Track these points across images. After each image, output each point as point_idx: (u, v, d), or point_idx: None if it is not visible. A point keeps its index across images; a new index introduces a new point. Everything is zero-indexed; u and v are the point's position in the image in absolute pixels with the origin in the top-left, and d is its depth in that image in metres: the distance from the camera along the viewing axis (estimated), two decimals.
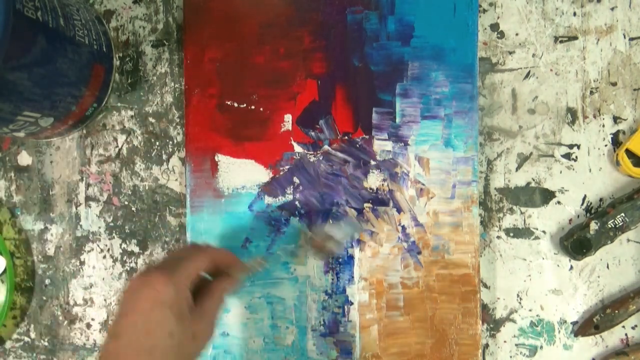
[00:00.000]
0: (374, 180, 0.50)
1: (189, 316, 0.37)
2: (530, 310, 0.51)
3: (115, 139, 0.54)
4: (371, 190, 0.50)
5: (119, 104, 0.54)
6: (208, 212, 0.50)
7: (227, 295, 0.41)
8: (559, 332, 0.51)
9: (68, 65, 0.45)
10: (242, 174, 0.51)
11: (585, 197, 0.51)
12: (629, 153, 0.50)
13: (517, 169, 0.51)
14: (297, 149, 0.51)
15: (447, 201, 0.50)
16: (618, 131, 0.51)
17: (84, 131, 0.54)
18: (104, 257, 0.54)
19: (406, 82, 0.50)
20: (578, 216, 0.51)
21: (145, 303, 0.35)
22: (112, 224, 0.54)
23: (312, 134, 0.51)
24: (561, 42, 0.51)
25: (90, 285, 0.54)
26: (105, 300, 0.53)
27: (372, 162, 0.50)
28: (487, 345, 0.51)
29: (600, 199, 0.51)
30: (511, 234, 0.51)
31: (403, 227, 0.50)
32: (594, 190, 0.51)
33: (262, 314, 0.50)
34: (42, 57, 0.41)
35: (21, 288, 0.54)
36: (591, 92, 0.51)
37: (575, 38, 0.51)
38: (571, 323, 0.51)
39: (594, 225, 0.48)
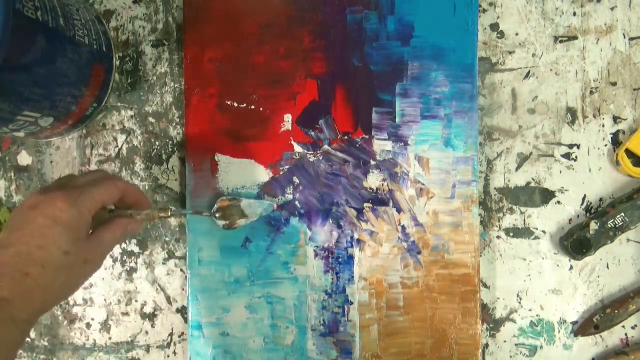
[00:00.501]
0: (374, 180, 0.50)
1: (86, 242, 0.37)
2: (530, 310, 0.51)
3: (115, 139, 0.54)
4: (371, 190, 0.50)
5: (119, 104, 0.54)
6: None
7: (126, 235, 0.41)
8: (559, 332, 0.51)
9: (68, 65, 0.45)
10: (242, 174, 0.51)
11: (585, 197, 0.51)
12: (629, 153, 0.50)
13: (517, 169, 0.51)
14: (297, 149, 0.51)
15: (447, 201, 0.50)
16: (618, 131, 0.51)
17: (84, 131, 0.54)
18: None
19: (406, 82, 0.50)
20: (578, 216, 0.51)
21: (44, 219, 0.35)
22: None
23: (312, 134, 0.51)
24: (561, 42, 0.51)
25: (90, 285, 0.54)
26: (105, 300, 0.53)
27: (372, 162, 0.50)
28: (487, 345, 0.51)
29: (600, 199, 0.51)
30: (511, 234, 0.51)
31: (403, 227, 0.50)
32: (594, 190, 0.51)
33: (262, 314, 0.50)
34: (42, 57, 0.41)
35: None
36: (591, 92, 0.51)
37: (575, 38, 0.51)
38: (571, 323, 0.51)
39: (594, 225, 0.48)
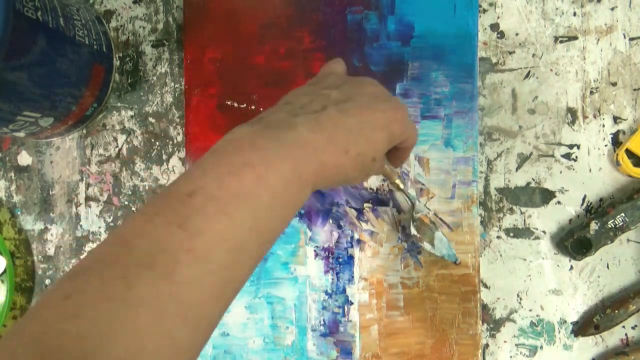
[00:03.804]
0: (374, 180, 0.50)
1: (381, 159, 0.36)
2: (530, 310, 0.51)
3: (115, 139, 0.54)
4: (371, 190, 0.50)
5: (119, 104, 0.54)
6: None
7: (381, 172, 0.40)
8: (559, 332, 0.51)
9: (68, 65, 0.45)
10: None
11: (585, 197, 0.51)
12: (629, 153, 0.50)
13: (517, 169, 0.51)
14: None
15: (447, 201, 0.50)
16: (618, 131, 0.51)
17: (84, 131, 0.54)
18: None
19: (406, 82, 0.50)
20: (578, 216, 0.51)
21: (383, 116, 0.33)
22: (112, 224, 0.54)
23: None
24: (561, 42, 0.51)
25: None
26: None
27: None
28: (487, 345, 0.51)
29: (600, 199, 0.51)
30: (511, 234, 0.51)
31: (403, 227, 0.50)
32: (594, 190, 0.51)
33: (262, 314, 0.50)
34: (42, 57, 0.41)
35: (21, 288, 0.54)
36: (591, 92, 0.51)
37: (575, 38, 0.51)
38: (571, 323, 0.51)
39: (594, 225, 0.48)
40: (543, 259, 0.51)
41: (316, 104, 0.33)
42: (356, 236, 0.50)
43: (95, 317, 0.22)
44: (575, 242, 0.49)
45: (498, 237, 0.51)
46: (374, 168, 0.35)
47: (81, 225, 0.54)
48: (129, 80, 0.54)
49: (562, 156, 0.51)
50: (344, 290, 0.50)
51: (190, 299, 0.25)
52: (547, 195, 0.51)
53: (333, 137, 0.31)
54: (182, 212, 0.26)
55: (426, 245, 0.48)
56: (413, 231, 0.48)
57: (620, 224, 0.48)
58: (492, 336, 0.51)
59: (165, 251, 0.25)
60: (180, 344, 0.24)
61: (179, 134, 0.53)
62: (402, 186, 0.43)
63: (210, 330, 0.27)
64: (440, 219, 0.50)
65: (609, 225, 0.48)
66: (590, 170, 0.51)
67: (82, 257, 0.54)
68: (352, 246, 0.50)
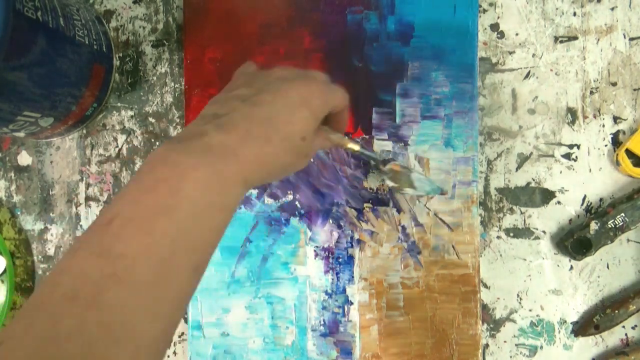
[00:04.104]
0: (374, 180, 0.50)
1: (311, 137, 0.35)
2: (530, 310, 0.51)
3: (115, 139, 0.54)
4: (371, 190, 0.50)
5: (119, 104, 0.54)
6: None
7: (327, 145, 0.40)
8: (559, 332, 0.51)
9: (68, 65, 0.45)
10: None
11: (585, 197, 0.51)
12: (629, 153, 0.50)
13: (517, 169, 0.51)
14: None
15: (447, 201, 0.50)
16: (618, 131, 0.51)
17: (84, 131, 0.54)
18: None
19: (406, 82, 0.50)
20: (578, 216, 0.51)
21: (298, 95, 0.33)
22: None
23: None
24: (561, 42, 0.51)
25: None
26: None
27: (372, 162, 0.50)
28: (487, 345, 0.51)
29: (600, 199, 0.51)
30: (511, 234, 0.51)
31: (403, 227, 0.50)
32: (594, 190, 0.51)
33: (262, 314, 0.50)
34: (42, 57, 0.41)
35: (21, 288, 0.54)
36: (591, 92, 0.51)
37: (575, 38, 0.51)
38: (571, 323, 0.51)
39: (594, 225, 0.48)
40: (543, 259, 0.51)
41: (225, 107, 0.33)
42: (356, 236, 0.50)
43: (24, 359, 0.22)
44: (575, 242, 0.49)
45: (498, 237, 0.51)
46: (311, 146, 0.35)
47: (81, 225, 0.54)
48: (129, 80, 0.54)
49: (562, 156, 0.51)
50: (344, 290, 0.50)
51: (121, 322, 0.25)
52: (547, 195, 0.51)
53: (249, 131, 0.31)
54: (102, 241, 0.26)
55: (408, 191, 0.47)
56: (390, 184, 0.47)
57: (620, 224, 0.48)
58: (492, 336, 0.51)
59: (87, 281, 0.25)
60: None
61: None
62: (357, 147, 0.42)
63: (155, 349, 0.27)
64: (441, 219, 0.50)
65: (609, 225, 0.48)
66: (590, 170, 0.51)
67: None
68: (352, 246, 0.50)
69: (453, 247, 0.49)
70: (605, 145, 0.51)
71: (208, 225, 0.29)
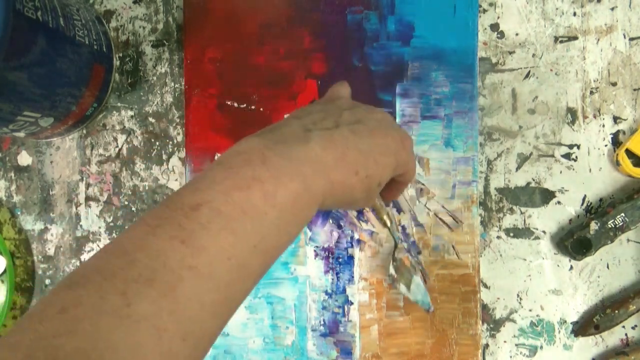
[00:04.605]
0: None
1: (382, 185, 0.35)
2: (530, 310, 0.51)
3: (115, 139, 0.54)
4: None
5: (119, 104, 0.54)
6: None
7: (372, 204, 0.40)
8: (559, 332, 0.51)
9: (68, 65, 0.45)
10: None
11: (585, 197, 0.51)
12: (629, 153, 0.50)
13: (517, 169, 0.51)
14: None
15: (447, 201, 0.50)
16: (618, 131, 0.51)
17: (84, 131, 0.54)
18: None
19: (406, 82, 0.50)
20: (578, 216, 0.51)
21: (393, 143, 0.33)
22: (112, 224, 0.54)
23: None
24: (561, 42, 0.51)
25: None
26: None
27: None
28: (487, 345, 0.51)
29: (600, 199, 0.51)
30: (511, 234, 0.51)
31: (403, 227, 0.50)
32: (594, 190, 0.51)
33: (262, 314, 0.50)
34: (42, 57, 0.41)
35: (21, 288, 0.54)
36: (591, 92, 0.51)
37: (575, 38, 0.51)
38: (571, 323, 0.51)
39: (594, 225, 0.48)
40: (543, 259, 0.51)
41: (328, 122, 0.32)
42: (356, 236, 0.50)
43: (93, 333, 0.22)
44: (575, 242, 0.49)
45: (498, 237, 0.51)
46: (377, 193, 0.35)
47: (81, 225, 0.54)
48: (129, 80, 0.54)
49: (562, 156, 0.51)
50: (344, 290, 0.50)
51: (191, 316, 0.24)
52: (547, 195, 0.51)
53: (344, 156, 0.31)
54: (186, 226, 0.25)
55: (402, 288, 0.48)
56: (391, 271, 0.47)
57: (620, 224, 0.48)
58: (492, 336, 0.51)
59: (167, 267, 0.24)
60: None
61: (179, 134, 0.53)
62: (389, 224, 0.43)
63: (208, 346, 0.27)
64: (441, 219, 0.50)
65: (609, 225, 0.48)
66: (590, 170, 0.51)
67: (82, 257, 0.54)
68: (352, 246, 0.50)
69: (453, 247, 0.49)
70: (605, 145, 0.51)
71: (286, 236, 0.29)
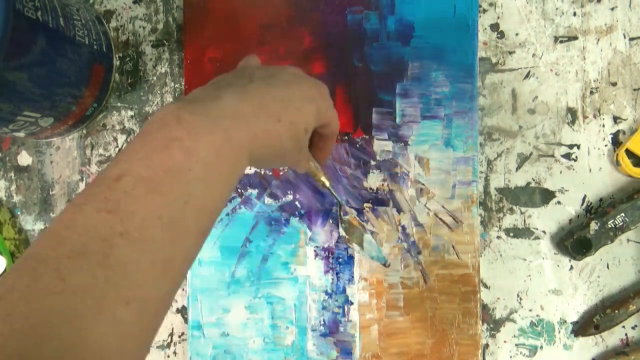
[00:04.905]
0: (374, 180, 0.50)
1: (306, 135, 0.35)
2: (530, 310, 0.51)
3: (115, 139, 0.54)
4: (371, 190, 0.50)
5: (119, 104, 0.54)
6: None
7: (306, 167, 0.40)
8: (559, 332, 0.51)
9: (68, 65, 0.45)
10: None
11: (585, 197, 0.51)
12: (629, 153, 0.50)
13: (517, 169, 0.51)
14: None
15: (447, 201, 0.50)
16: (618, 131, 0.51)
17: (84, 131, 0.54)
18: None
19: (406, 82, 0.50)
20: (578, 216, 0.51)
21: (308, 90, 0.34)
22: None
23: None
24: (561, 42, 0.51)
25: None
26: None
27: (372, 162, 0.50)
28: (487, 345, 0.51)
29: (600, 199, 0.51)
30: (511, 234, 0.51)
31: (403, 227, 0.50)
32: (594, 190, 0.51)
33: (262, 314, 0.50)
34: (42, 57, 0.41)
35: None
36: (591, 92, 0.51)
37: (575, 38, 0.51)
38: (571, 323, 0.51)
39: (594, 225, 0.48)
40: (543, 259, 0.51)
41: (241, 80, 0.33)
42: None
43: (29, 314, 0.22)
44: (575, 242, 0.49)
45: (498, 237, 0.51)
46: (306, 146, 0.35)
47: None
48: (129, 80, 0.54)
49: (562, 156, 0.51)
50: (344, 290, 0.50)
51: (130, 281, 0.24)
52: (547, 195, 0.51)
53: (263, 105, 0.31)
54: (111, 197, 0.25)
55: (355, 247, 0.48)
56: (341, 232, 0.47)
57: (620, 224, 0.48)
58: (492, 336, 0.51)
59: (97, 237, 0.24)
60: (126, 328, 0.24)
61: None
62: (327, 184, 0.42)
63: (160, 310, 0.27)
64: (441, 219, 0.50)
65: (609, 225, 0.48)
66: (590, 170, 0.51)
67: None
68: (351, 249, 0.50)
69: (453, 247, 0.49)
70: (605, 145, 0.51)
71: (217, 191, 0.29)
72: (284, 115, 0.32)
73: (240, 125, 0.30)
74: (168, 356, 0.53)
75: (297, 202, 0.51)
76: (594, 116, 0.51)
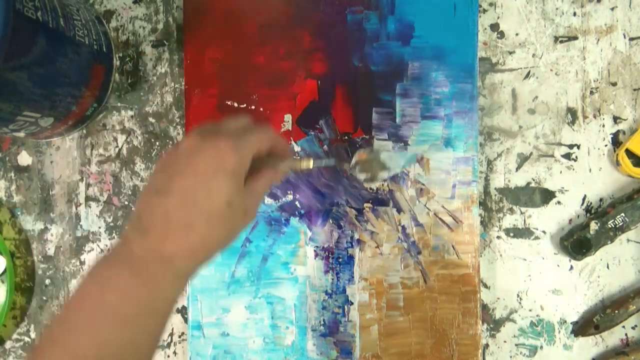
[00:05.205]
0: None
1: (245, 191, 0.34)
2: (530, 310, 0.51)
3: (115, 139, 0.54)
4: (371, 190, 0.50)
5: (119, 104, 0.54)
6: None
7: (271, 185, 0.38)
8: (559, 332, 0.51)
9: (68, 65, 0.45)
10: None
11: (585, 197, 0.51)
12: (629, 153, 0.50)
13: (517, 169, 0.51)
14: (297, 149, 0.51)
15: (447, 201, 0.50)
16: (618, 131, 0.51)
17: (84, 131, 0.54)
18: None
19: (406, 82, 0.50)
20: (578, 216, 0.51)
21: (207, 165, 0.32)
22: (112, 224, 0.54)
23: (312, 134, 0.51)
24: (561, 42, 0.51)
25: None
26: None
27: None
28: (487, 345, 0.51)
29: (600, 199, 0.51)
30: (511, 234, 0.51)
31: (403, 227, 0.50)
32: (594, 190, 0.51)
33: (262, 314, 0.50)
34: (42, 57, 0.41)
35: (21, 288, 0.54)
36: (591, 92, 0.51)
37: (575, 38, 0.51)
38: (571, 323, 0.51)
39: (594, 225, 0.48)
40: (543, 259, 0.51)
41: (144, 205, 0.33)
42: (356, 236, 0.50)
43: None
44: (575, 242, 0.49)
45: (498, 237, 0.51)
46: (246, 202, 0.34)
47: (81, 225, 0.54)
48: (129, 80, 0.54)
49: (562, 156, 0.51)
50: (344, 290, 0.50)
51: None
52: (547, 195, 0.51)
53: (168, 224, 0.31)
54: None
55: (384, 174, 0.46)
56: (362, 177, 0.45)
57: (620, 224, 0.48)
58: (492, 336, 0.51)
59: None
60: None
61: (179, 134, 0.53)
62: (311, 163, 0.40)
63: None
64: (441, 219, 0.50)
65: (609, 225, 0.48)
66: (590, 170, 0.51)
67: (82, 257, 0.54)
68: (352, 246, 0.50)
69: (453, 247, 0.49)
70: (605, 145, 0.51)
71: (140, 331, 0.30)
72: (194, 218, 0.31)
73: (150, 259, 0.31)
74: (168, 356, 0.53)
75: (297, 202, 0.51)
76: (594, 116, 0.51)
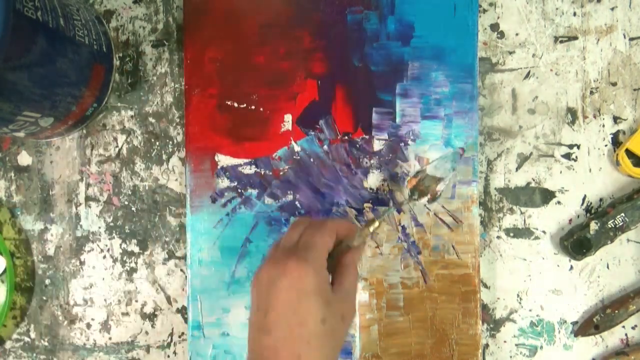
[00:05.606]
0: (374, 180, 0.50)
1: (334, 298, 0.35)
2: (530, 310, 0.51)
3: (115, 139, 0.54)
4: (371, 190, 0.50)
5: (119, 104, 0.54)
6: (208, 212, 0.50)
7: (356, 267, 0.39)
8: (559, 332, 0.51)
9: (68, 65, 0.45)
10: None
11: (585, 197, 0.51)
12: (629, 153, 0.50)
13: (517, 169, 0.51)
14: (297, 149, 0.51)
15: (447, 201, 0.50)
16: (618, 131, 0.51)
17: (84, 131, 0.54)
18: (104, 257, 0.54)
19: (406, 82, 0.50)
20: (578, 216, 0.51)
21: (289, 294, 0.34)
22: (112, 224, 0.54)
23: (312, 134, 0.51)
24: (561, 42, 0.51)
25: (90, 285, 0.54)
26: (105, 300, 0.53)
27: (372, 162, 0.50)
28: (487, 345, 0.51)
29: (600, 199, 0.51)
30: (511, 234, 0.51)
31: (403, 227, 0.50)
32: (594, 190, 0.51)
33: None
34: (42, 57, 0.41)
35: (21, 288, 0.54)
36: (591, 92, 0.51)
37: (575, 38, 0.51)
38: (571, 323, 0.51)
39: (594, 225, 0.48)
40: (543, 259, 0.51)
41: (252, 343, 0.35)
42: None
43: None
44: (575, 242, 0.49)
45: (498, 237, 0.51)
46: (339, 304, 0.36)
47: (81, 225, 0.54)
48: (129, 80, 0.54)
49: (562, 156, 0.51)
50: None
51: None
52: (547, 195, 0.51)
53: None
54: None
55: (441, 187, 0.46)
56: (425, 200, 0.46)
57: (620, 224, 0.48)
58: (492, 336, 0.51)
59: None
60: None
61: (179, 134, 0.53)
62: (378, 224, 0.41)
63: None
64: (441, 219, 0.50)
65: (609, 225, 0.48)
66: (590, 170, 0.51)
67: (82, 257, 0.54)
68: None
69: (453, 247, 0.49)
70: (605, 145, 0.51)
71: None
72: (301, 349, 0.33)
73: None
74: (168, 356, 0.53)
75: (297, 202, 0.51)
76: (594, 116, 0.51)
